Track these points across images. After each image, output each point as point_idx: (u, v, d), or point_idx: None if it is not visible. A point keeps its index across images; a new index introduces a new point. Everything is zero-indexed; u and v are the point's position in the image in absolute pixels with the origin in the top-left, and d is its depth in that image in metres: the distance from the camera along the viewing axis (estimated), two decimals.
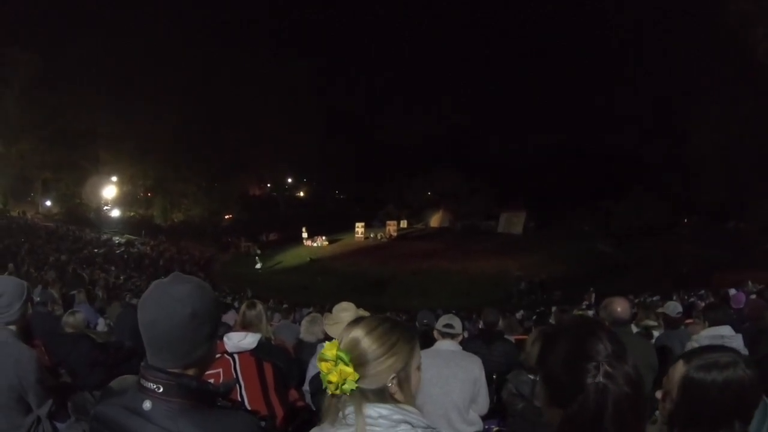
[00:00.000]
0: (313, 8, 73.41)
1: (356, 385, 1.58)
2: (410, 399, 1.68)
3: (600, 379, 1.50)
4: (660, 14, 49.98)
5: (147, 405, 1.56)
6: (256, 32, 65.19)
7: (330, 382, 1.59)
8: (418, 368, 1.73)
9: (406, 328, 1.75)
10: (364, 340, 1.64)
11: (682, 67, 45.72)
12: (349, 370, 1.58)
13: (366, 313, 3.98)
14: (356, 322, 1.73)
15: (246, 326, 3.88)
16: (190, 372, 1.63)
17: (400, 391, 1.65)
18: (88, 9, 49.64)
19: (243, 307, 4.12)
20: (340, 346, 1.64)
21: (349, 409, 1.60)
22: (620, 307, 4.37)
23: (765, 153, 34.96)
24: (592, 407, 1.50)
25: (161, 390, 1.56)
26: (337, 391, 1.59)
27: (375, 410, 1.59)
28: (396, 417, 1.59)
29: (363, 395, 1.60)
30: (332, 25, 73.28)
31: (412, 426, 1.59)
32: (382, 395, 1.62)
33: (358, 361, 1.61)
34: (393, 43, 72.45)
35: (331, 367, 1.59)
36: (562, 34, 63.96)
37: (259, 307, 4.05)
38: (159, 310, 1.60)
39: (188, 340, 1.60)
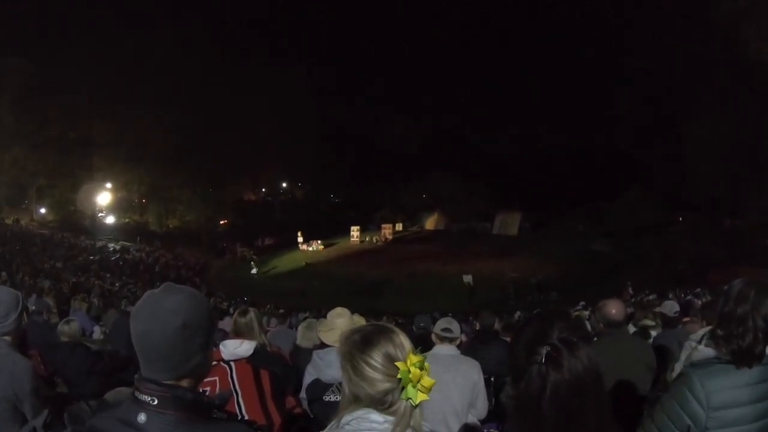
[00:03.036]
0: (308, 13, 73.32)
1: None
2: None
3: (542, 362, 1.54)
4: (653, 13, 50.06)
5: (142, 418, 1.54)
6: (251, 38, 65.06)
7: (424, 387, 1.61)
8: None
9: None
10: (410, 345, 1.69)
11: (676, 66, 45.82)
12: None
13: (361, 319, 3.97)
14: (388, 331, 1.73)
15: (238, 334, 3.85)
16: (185, 383, 1.61)
17: None
18: (81, 16, 49.51)
19: (235, 314, 4.08)
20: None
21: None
22: (614, 308, 4.35)
23: (759, 149, 35.11)
24: (533, 389, 1.54)
25: (156, 402, 1.54)
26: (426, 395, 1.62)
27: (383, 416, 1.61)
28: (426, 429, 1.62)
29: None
30: (327, 30, 73.22)
31: None
32: None
33: None
34: (387, 46, 72.43)
35: (425, 372, 1.62)
36: (556, 36, 64.07)
37: (251, 314, 3.99)
38: (150, 321, 1.58)
39: (180, 351, 1.58)
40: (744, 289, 2.33)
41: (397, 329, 1.74)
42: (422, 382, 1.60)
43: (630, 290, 25.09)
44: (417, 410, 1.62)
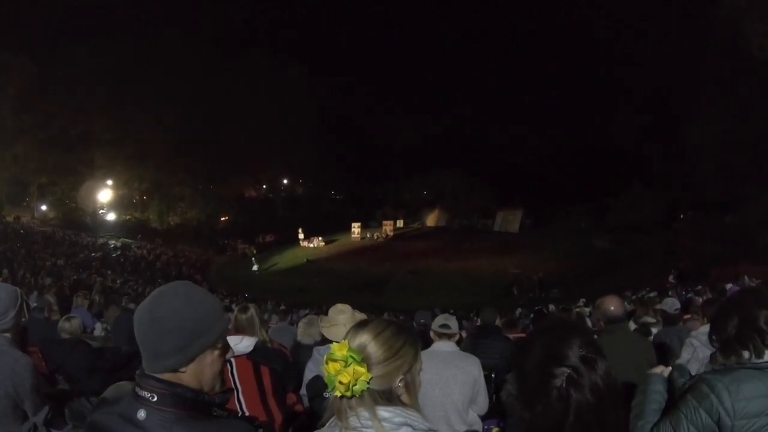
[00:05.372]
0: (309, 10, 73.26)
1: (367, 385, 1.56)
2: (415, 401, 1.68)
3: (564, 385, 1.49)
4: (655, 9, 50.00)
5: (141, 414, 1.54)
6: (252, 34, 65.09)
7: (340, 383, 1.56)
8: (420, 371, 1.73)
9: (410, 332, 1.75)
10: (371, 344, 1.63)
11: (678, 62, 45.74)
12: (362, 369, 1.56)
13: (363, 315, 3.96)
14: (361, 325, 1.71)
15: (239, 330, 3.85)
16: (185, 379, 1.61)
17: (406, 393, 1.66)
18: (83, 13, 49.44)
19: (236, 311, 4.08)
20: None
21: (363, 413, 1.58)
22: (613, 305, 4.35)
23: (761, 147, 35.02)
24: (553, 413, 1.50)
25: (155, 399, 1.54)
26: (348, 393, 1.56)
27: (378, 413, 1.58)
28: (397, 420, 1.58)
29: (373, 397, 1.58)
30: (327, 26, 73.19)
31: (413, 428, 1.58)
32: (390, 397, 1.61)
33: (367, 364, 1.59)
34: (388, 42, 72.30)
35: (341, 367, 1.57)
36: (557, 31, 63.95)
37: (251, 311, 3.99)
38: (149, 317, 1.59)
39: (178, 347, 1.58)
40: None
41: (368, 325, 1.72)
42: (339, 376, 1.57)
43: (671, 279, 25.23)
44: (386, 412, 1.59)
